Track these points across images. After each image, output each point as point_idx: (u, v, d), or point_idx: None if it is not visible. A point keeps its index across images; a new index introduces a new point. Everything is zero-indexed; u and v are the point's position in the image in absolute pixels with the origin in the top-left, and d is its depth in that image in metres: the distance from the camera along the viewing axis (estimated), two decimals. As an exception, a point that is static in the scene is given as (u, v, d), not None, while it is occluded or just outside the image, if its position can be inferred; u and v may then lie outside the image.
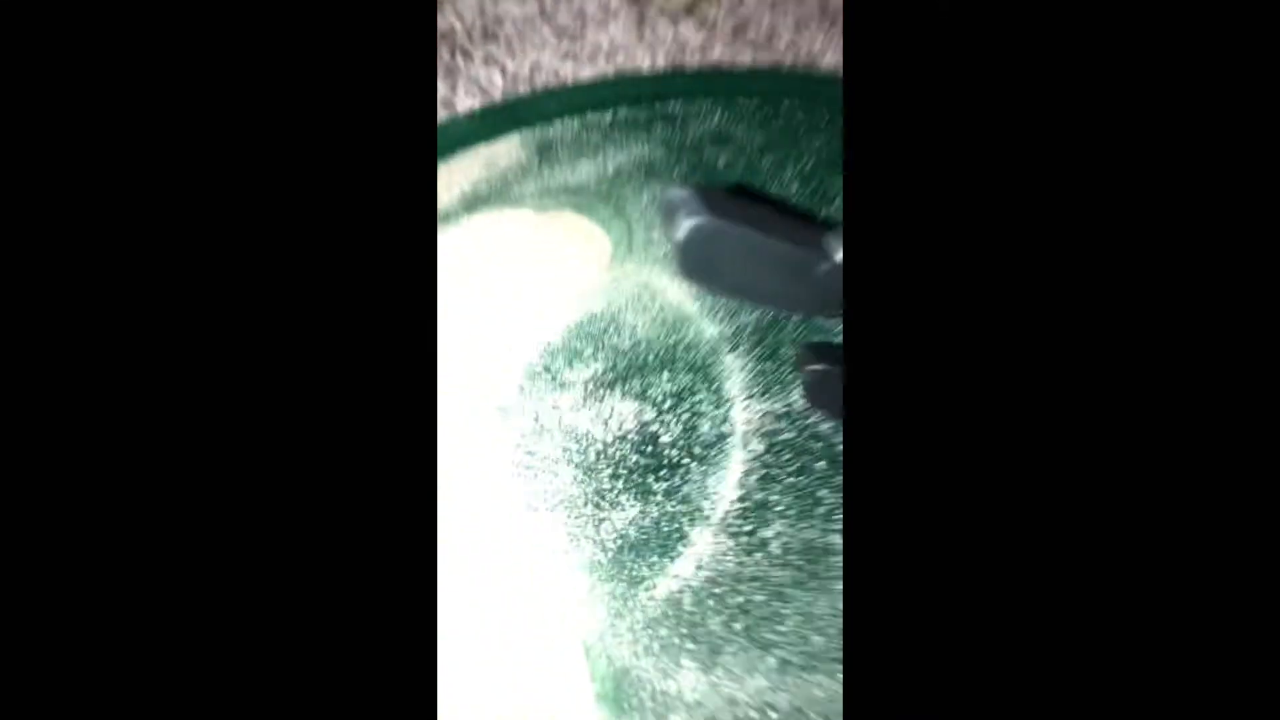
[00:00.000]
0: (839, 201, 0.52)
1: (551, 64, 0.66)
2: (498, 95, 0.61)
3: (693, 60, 0.68)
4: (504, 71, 0.64)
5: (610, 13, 0.68)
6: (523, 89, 0.64)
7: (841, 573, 0.37)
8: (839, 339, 0.38)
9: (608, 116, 0.55)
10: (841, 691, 0.35)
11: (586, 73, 0.66)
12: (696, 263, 0.31)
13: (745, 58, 0.67)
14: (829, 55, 0.68)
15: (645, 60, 0.68)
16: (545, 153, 0.53)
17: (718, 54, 0.68)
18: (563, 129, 0.54)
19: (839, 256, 0.32)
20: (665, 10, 0.68)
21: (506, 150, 0.54)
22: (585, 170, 0.52)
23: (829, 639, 0.36)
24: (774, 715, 0.35)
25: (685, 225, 0.31)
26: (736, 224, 0.31)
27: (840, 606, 0.37)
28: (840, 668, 0.36)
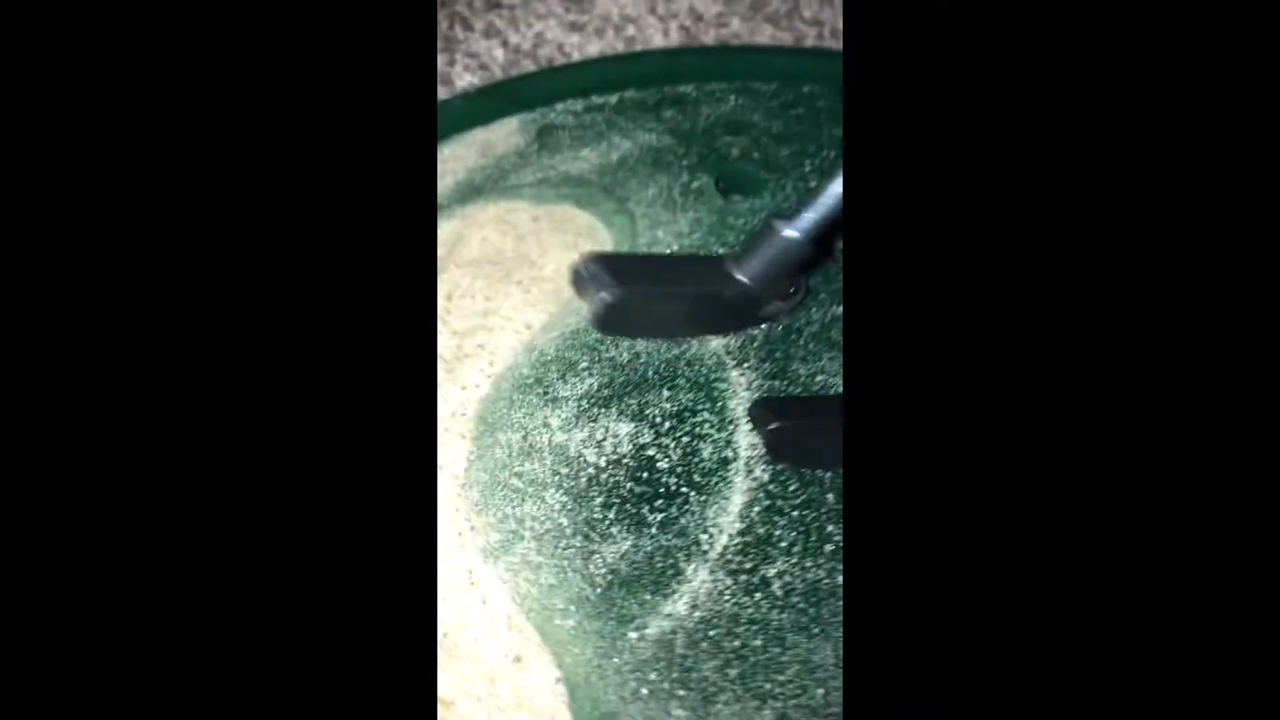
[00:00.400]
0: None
1: (556, 36, 0.61)
2: (497, 71, 0.57)
3: (708, 35, 0.63)
4: (505, 44, 0.60)
5: (621, -21, 0.63)
6: (525, 64, 0.60)
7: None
8: (788, 393, 0.39)
9: (613, 98, 0.51)
10: (842, 748, 0.33)
11: (594, 47, 0.62)
12: (616, 325, 0.36)
13: (764, 35, 0.63)
14: (855, 34, 0.64)
15: (657, 33, 0.63)
16: (545, 138, 0.49)
17: (734, 28, 0.64)
18: (565, 112, 0.50)
19: (740, 275, 0.36)
20: (680, -22, 0.63)
21: (504, 135, 0.50)
22: (588, 158, 0.48)
23: (831, 691, 0.34)
24: (768, 773, 0.33)
25: (597, 299, 0.35)
26: (641, 285, 0.35)
27: (843, 655, 0.35)
28: (841, 722, 0.33)
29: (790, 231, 0.34)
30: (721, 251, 0.42)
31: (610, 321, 0.35)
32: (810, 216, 0.34)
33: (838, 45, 0.60)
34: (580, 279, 0.35)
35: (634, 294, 0.34)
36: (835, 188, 0.34)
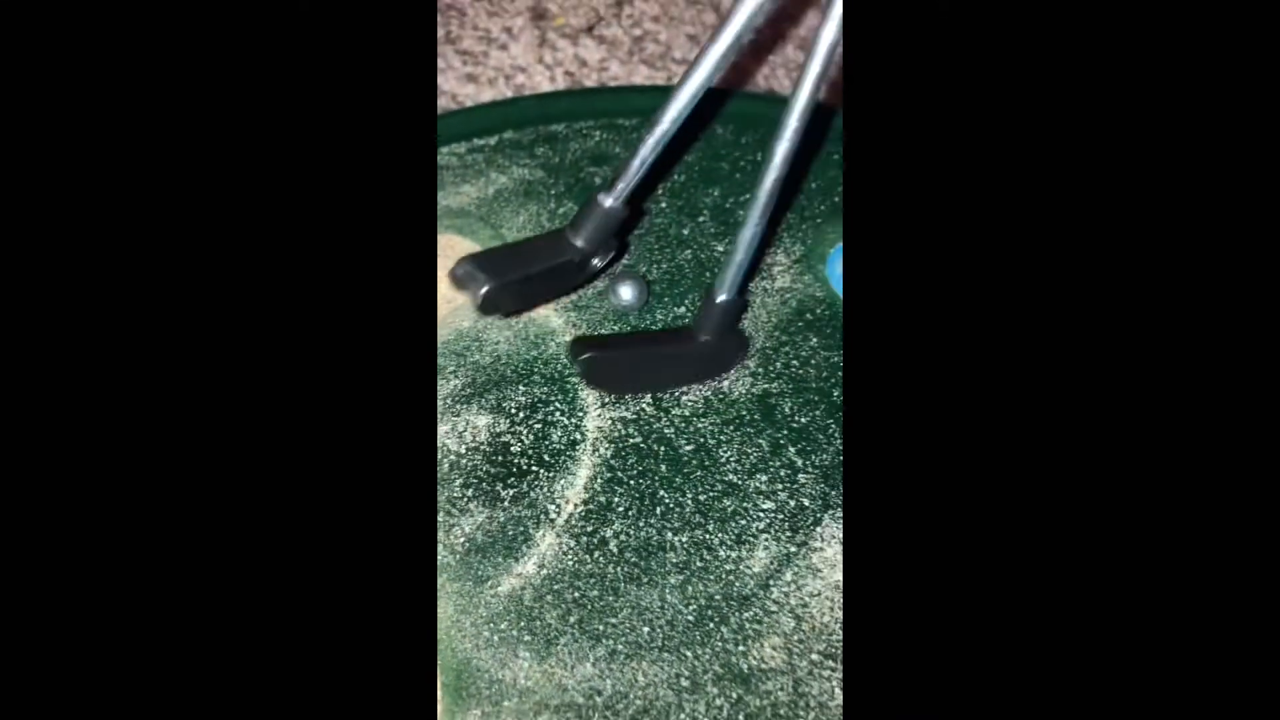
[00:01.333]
0: (713, 195, 0.55)
1: (452, 88, 0.69)
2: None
3: (591, 78, 0.70)
4: (405, 97, 0.67)
5: (513, 35, 0.71)
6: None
7: (678, 568, 0.41)
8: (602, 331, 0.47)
9: (493, 139, 0.58)
10: (664, 676, 0.38)
11: (486, 95, 0.69)
12: (494, 308, 0.43)
13: (640, 75, 0.70)
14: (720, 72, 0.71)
15: (544, 80, 0.71)
16: (432, 177, 0.56)
17: (614, 71, 0.71)
18: (449, 154, 0.57)
19: (578, 241, 0.43)
20: (565, 31, 0.70)
21: (394, 177, 0.57)
22: (468, 193, 0.55)
23: (654, 629, 0.39)
24: (598, 699, 0.38)
25: (478, 294, 0.42)
26: (507, 274, 0.43)
27: (669, 599, 0.40)
28: (665, 654, 0.39)
29: (609, 201, 0.42)
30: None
31: (489, 307, 0.42)
32: (621, 185, 0.42)
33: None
34: (458, 279, 0.42)
35: (504, 283, 0.42)
36: (640, 155, 0.41)
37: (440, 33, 0.71)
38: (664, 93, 0.65)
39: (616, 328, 0.48)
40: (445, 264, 0.53)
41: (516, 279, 0.43)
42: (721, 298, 0.43)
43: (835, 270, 0.52)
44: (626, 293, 0.48)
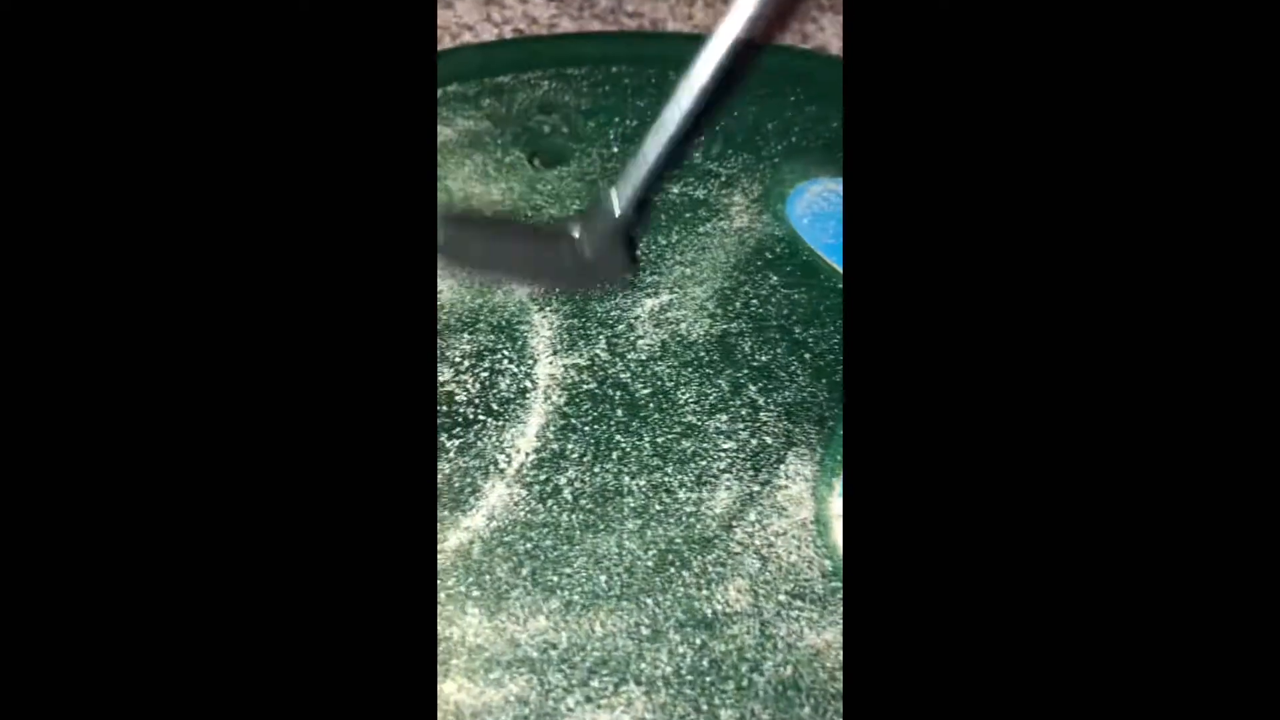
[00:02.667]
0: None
1: (396, 47, 0.66)
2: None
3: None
4: (346, 57, 0.65)
5: (458, -7, 0.68)
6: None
7: (636, 513, 0.38)
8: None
9: (437, 93, 0.55)
10: (623, 626, 0.36)
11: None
12: (457, 259, 0.41)
13: (592, 29, 0.68)
14: (671, 24, 0.69)
15: (492, 38, 0.68)
16: (372, 132, 0.54)
17: (565, 27, 0.69)
18: (391, 108, 0.55)
19: (576, 232, 0.40)
20: (512, -12, 0.68)
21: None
22: (410, 146, 0.52)
23: (613, 577, 0.37)
24: (553, 653, 0.35)
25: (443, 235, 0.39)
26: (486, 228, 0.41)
27: (627, 545, 0.38)
28: (623, 603, 0.36)
29: (615, 208, 0.38)
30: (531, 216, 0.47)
31: (451, 253, 0.39)
32: (628, 190, 0.38)
33: (651, 30, 0.66)
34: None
35: (473, 233, 0.39)
36: (643, 160, 0.38)
37: (383, -6, 0.69)
38: (615, 41, 0.63)
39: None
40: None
41: (487, 232, 0.40)
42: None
43: (794, 209, 0.50)
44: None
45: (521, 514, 0.38)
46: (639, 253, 0.43)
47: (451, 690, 0.34)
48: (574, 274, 0.41)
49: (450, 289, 0.45)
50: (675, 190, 0.50)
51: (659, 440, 0.40)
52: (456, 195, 0.50)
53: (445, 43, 0.67)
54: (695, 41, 0.62)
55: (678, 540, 0.38)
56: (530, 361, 0.42)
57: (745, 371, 0.43)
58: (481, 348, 0.42)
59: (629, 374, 0.42)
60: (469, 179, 0.50)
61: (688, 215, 0.49)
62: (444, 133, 0.53)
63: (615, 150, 0.52)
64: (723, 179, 0.51)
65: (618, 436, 0.40)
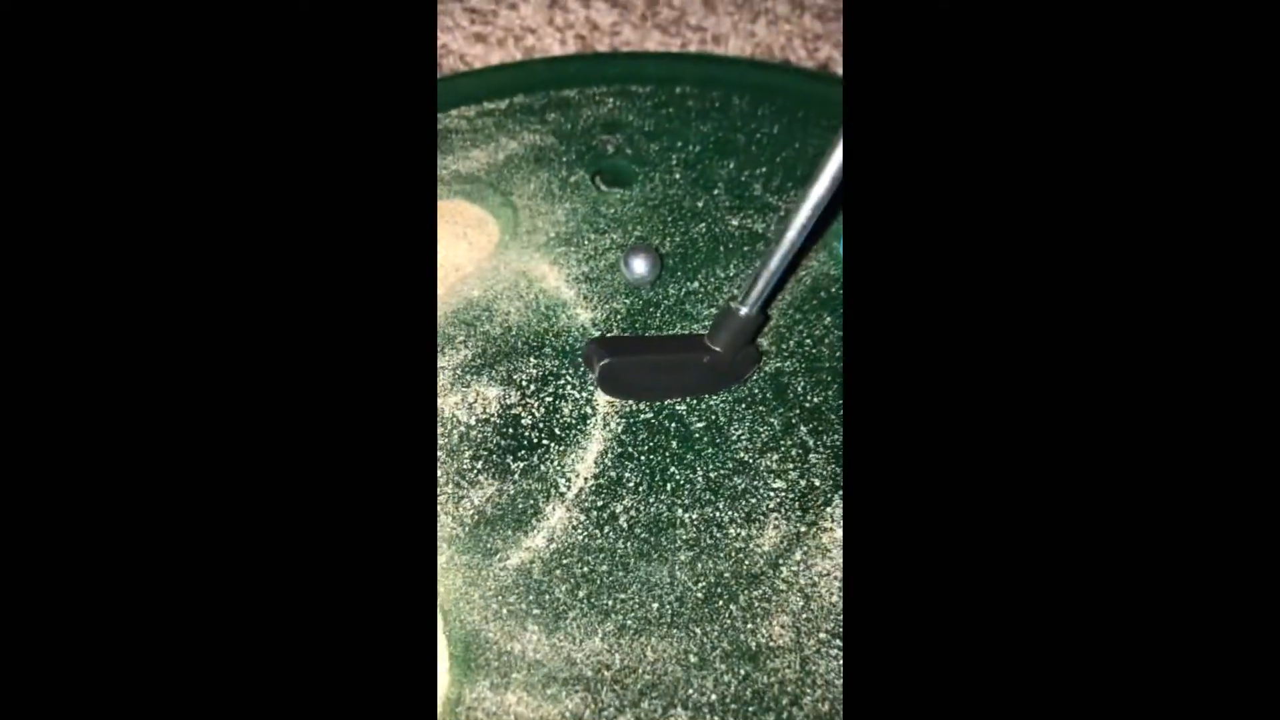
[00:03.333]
0: (728, 167, 0.54)
1: (460, 48, 0.67)
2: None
3: (602, 43, 0.69)
4: (412, 56, 0.66)
5: (523, -6, 0.69)
6: (431, 73, 0.65)
7: (687, 545, 0.41)
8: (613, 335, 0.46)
9: (504, 104, 0.56)
10: (673, 652, 0.38)
11: (495, 56, 0.67)
12: (613, 389, 0.44)
13: (652, 41, 0.69)
14: (733, 40, 0.69)
15: (554, 42, 0.69)
16: (440, 141, 0.55)
17: (626, 36, 0.69)
18: (459, 117, 0.56)
19: (716, 346, 0.43)
20: (576, -8, 0.68)
21: (402, 139, 0.56)
22: (477, 158, 0.54)
23: (664, 605, 0.39)
24: (606, 673, 0.38)
25: (598, 366, 0.43)
26: (633, 354, 0.44)
27: (678, 575, 0.40)
28: (673, 630, 0.39)
29: (743, 309, 0.41)
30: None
31: (608, 383, 0.43)
32: (755, 294, 0.41)
33: (718, 50, 0.66)
34: (587, 355, 0.44)
35: (625, 360, 0.42)
36: (771, 265, 0.40)
37: (448, -11, 0.69)
38: (679, 60, 0.64)
39: (629, 301, 0.47)
40: (454, 229, 0.52)
41: (637, 360, 0.43)
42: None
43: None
44: (639, 265, 0.47)
45: (580, 538, 0.40)
46: (760, 348, 0.47)
47: (512, 702, 0.37)
48: (711, 378, 0.44)
49: (518, 311, 0.47)
50: (735, 222, 0.51)
51: (711, 475, 0.43)
52: (523, 213, 0.51)
53: (510, 45, 0.68)
54: (761, 68, 0.62)
55: (726, 574, 0.40)
56: (591, 388, 0.44)
57: (797, 411, 0.45)
58: (547, 372, 0.44)
59: (684, 406, 0.44)
60: (535, 195, 0.52)
61: (746, 249, 0.51)
62: (509, 146, 0.54)
63: (678, 177, 0.53)
64: (782, 213, 0.52)
65: (672, 468, 0.42)
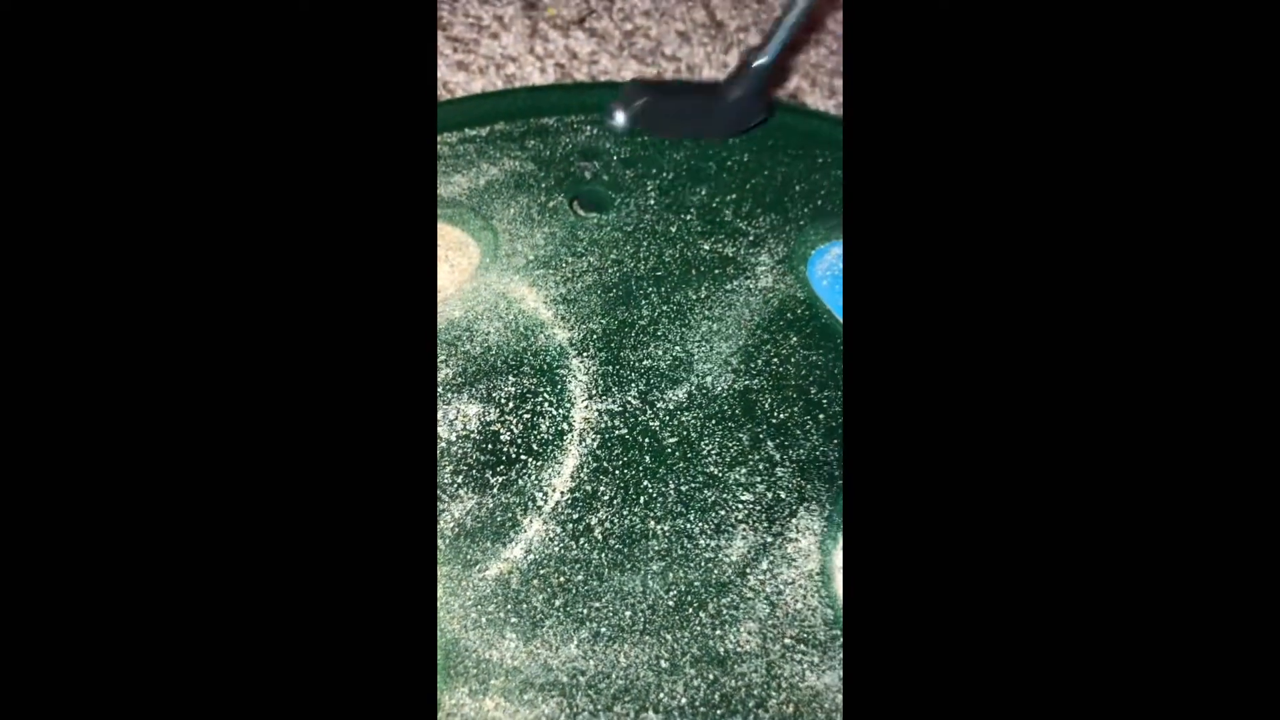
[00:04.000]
0: (700, 194, 0.56)
1: (443, 75, 0.69)
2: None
3: (581, 71, 0.71)
4: (396, 83, 0.68)
5: (504, 24, 0.71)
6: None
7: (659, 555, 0.42)
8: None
9: (485, 130, 0.58)
10: (645, 658, 0.40)
11: (477, 84, 0.69)
12: (646, 121, 0.56)
13: (630, 70, 0.71)
14: (707, 70, 0.72)
15: (535, 71, 0.71)
16: (423, 166, 0.57)
17: (604, 65, 0.72)
18: (442, 143, 0.58)
19: (731, 94, 0.55)
20: (556, 22, 0.71)
21: (386, 164, 0.58)
22: (459, 183, 0.56)
23: (636, 613, 0.41)
24: (582, 679, 0.40)
25: (637, 105, 0.55)
26: (665, 96, 0.56)
27: (650, 585, 0.42)
28: (646, 637, 0.41)
29: (762, 60, 0.53)
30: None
31: (644, 120, 0.55)
32: (774, 46, 0.52)
33: (689, 78, 0.69)
34: (625, 94, 0.55)
35: (659, 101, 0.55)
36: (789, 21, 0.51)
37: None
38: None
39: (604, 321, 0.49)
40: (436, 252, 0.54)
41: (669, 101, 0.55)
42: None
43: (814, 271, 0.54)
44: (620, 116, 0.56)
45: (556, 549, 0.42)
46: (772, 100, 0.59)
47: (490, 707, 0.38)
48: (725, 122, 0.56)
49: (497, 332, 0.48)
50: (706, 246, 0.54)
51: (683, 488, 0.45)
52: (503, 236, 0.53)
53: (491, 73, 0.70)
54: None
55: (696, 583, 0.42)
56: (568, 405, 0.46)
57: (765, 427, 0.47)
58: (525, 390, 0.46)
59: (657, 423, 0.46)
60: (515, 220, 0.54)
61: (716, 271, 0.53)
62: (490, 171, 0.57)
63: (652, 202, 0.55)
64: (751, 238, 0.54)
65: (645, 482, 0.44)
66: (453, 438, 0.44)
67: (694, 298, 0.52)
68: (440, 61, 0.70)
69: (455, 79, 0.69)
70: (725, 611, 0.42)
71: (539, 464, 0.44)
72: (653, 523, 0.43)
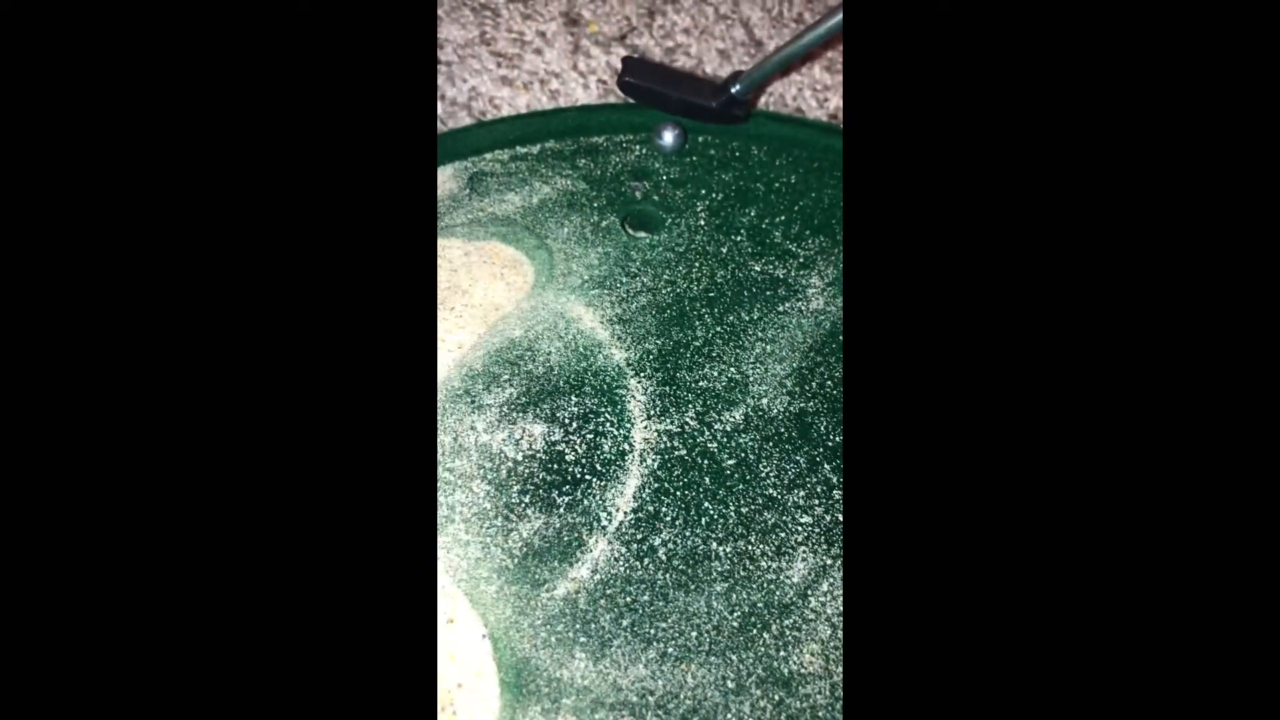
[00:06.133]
0: (749, 215, 0.57)
1: (489, 90, 0.70)
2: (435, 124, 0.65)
3: (623, 87, 0.72)
4: (443, 97, 0.68)
5: (547, 39, 0.72)
6: (461, 116, 0.68)
7: (722, 576, 0.43)
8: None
9: (535, 149, 0.59)
10: (712, 679, 0.41)
11: (522, 100, 0.70)
12: (632, 92, 0.62)
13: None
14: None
15: (578, 86, 0.72)
16: (476, 184, 0.57)
17: (646, 82, 0.72)
18: (493, 160, 0.58)
19: (734, 89, 0.59)
20: (597, 39, 0.72)
21: (441, 181, 0.58)
22: (513, 201, 0.56)
23: (702, 633, 0.42)
24: (651, 699, 0.40)
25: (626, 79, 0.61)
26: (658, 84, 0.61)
27: (715, 605, 0.43)
28: (712, 658, 0.41)
29: (736, 88, 0.58)
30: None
31: (630, 92, 0.61)
32: (747, 83, 0.58)
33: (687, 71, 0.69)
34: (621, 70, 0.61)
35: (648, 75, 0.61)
36: (766, 69, 0.57)
37: (475, 33, 0.72)
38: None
39: (660, 342, 0.50)
40: (490, 270, 0.55)
41: (660, 80, 0.60)
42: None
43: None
44: (668, 136, 0.60)
45: (622, 569, 0.43)
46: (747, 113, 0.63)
47: (561, 726, 0.39)
48: (703, 115, 0.60)
49: (558, 352, 0.49)
50: (757, 268, 0.54)
51: (743, 510, 0.45)
52: (557, 255, 0.54)
53: (535, 89, 0.71)
54: (778, 120, 0.66)
55: (759, 604, 0.43)
56: (628, 426, 0.47)
57: (821, 450, 0.48)
58: (587, 410, 0.47)
59: (715, 444, 0.47)
60: (568, 239, 0.54)
61: (768, 293, 0.54)
62: (542, 190, 0.57)
63: (703, 223, 0.56)
64: (800, 260, 0.55)
65: (706, 503, 0.45)
66: (519, 457, 0.45)
67: (747, 319, 0.52)
68: (485, 76, 0.70)
69: (500, 94, 0.69)
70: (789, 633, 0.43)
71: (603, 484, 0.45)
72: (715, 544, 0.44)
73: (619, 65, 0.63)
